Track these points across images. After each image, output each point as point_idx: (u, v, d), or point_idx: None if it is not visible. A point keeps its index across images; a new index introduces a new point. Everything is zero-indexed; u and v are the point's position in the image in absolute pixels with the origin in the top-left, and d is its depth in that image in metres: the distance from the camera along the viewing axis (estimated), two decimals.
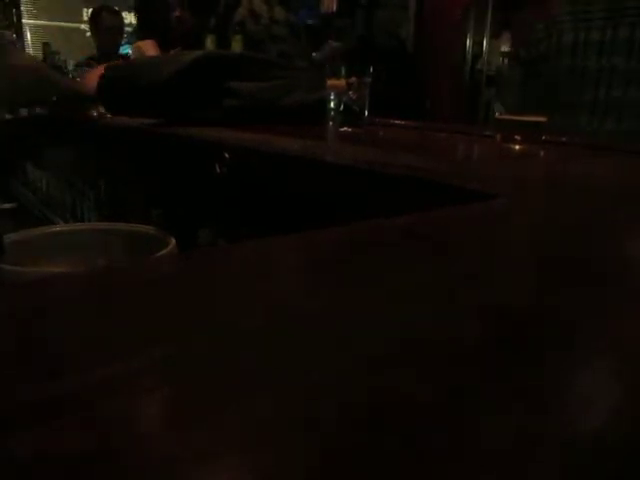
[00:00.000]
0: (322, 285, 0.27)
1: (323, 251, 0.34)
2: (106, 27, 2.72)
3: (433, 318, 0.22)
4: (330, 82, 1.01)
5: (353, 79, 1.00)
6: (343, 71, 1.02)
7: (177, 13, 1.88)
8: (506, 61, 1.08)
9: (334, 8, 3.58)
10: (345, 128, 1.01)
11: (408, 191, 0.55)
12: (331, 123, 1.01)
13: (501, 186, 0.52)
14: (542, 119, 0.90)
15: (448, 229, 0.39)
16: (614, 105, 1.38)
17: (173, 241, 0.80)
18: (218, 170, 0.78)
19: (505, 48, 4.40)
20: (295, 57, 1.57)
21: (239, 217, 0.83)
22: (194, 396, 0.16)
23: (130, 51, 2.59)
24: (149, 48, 2.10)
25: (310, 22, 2.87)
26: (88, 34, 2.83)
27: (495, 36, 4.39)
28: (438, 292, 0.25)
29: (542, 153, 0.86)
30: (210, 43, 1.57)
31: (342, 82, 1.00)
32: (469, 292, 0.25)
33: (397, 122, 1.26)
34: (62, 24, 5.34)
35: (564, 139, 0.96)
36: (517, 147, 0.88)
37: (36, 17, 5.29)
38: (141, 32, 2.55)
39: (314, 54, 2.39)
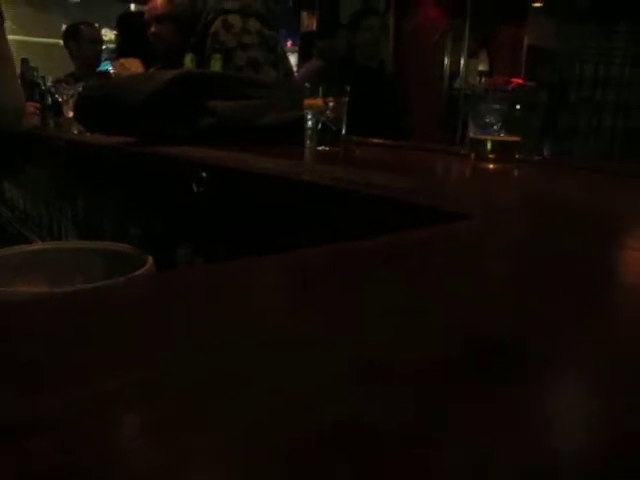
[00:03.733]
0: (295, 305, 0.28)
1: (298, 272, 0.34)
2: (86, 40, 2.72)
3: (393, 339, 0.23)
4: (307, 101, 1.02)
5: (330, 98, 1.02)
6: (320, 90, 1.03)
7: (153, 29, 1.89)
8: (483, 80, 1.10)
9: (314, 27, 3.63)
10: (322, 147, 1.02)
11: (380, 211, 0.56)
12: (308, 142, 1.02)
13: (471, 207, 0.53)
14: (516, 139, 0.92)
15: (417, 250, 0.40)
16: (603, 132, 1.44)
17: (150, 260, 0.80)
18: (195, 189, 0.79)
19: (482, 67, 4.48)
20: (265, 65, 1.58)
21: (217, 236, 0.83)
22: (168, 418, 0.17)
23: (111, 68, 2.59)
24: (136, 65, 2.10)
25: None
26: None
27: (472, 56, 4.49)
28: (396, 313, 0.26)
29: (515, 172, 0.88)
30: (189, 61, 1.58)
31: (319, 101, 1.02)
32: (427, 313, 0.26)
33: (375, 141, 1.28)
34: (42, 40, 5.32)
35: (537, 158, 0.99)
36: (491, 166, 0.90)
37: (15, 33, 5.27)
38: (122, 49, 2.55)
39: (296, 72, 2.42)
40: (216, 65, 1.45)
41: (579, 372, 0.21)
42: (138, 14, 2.50)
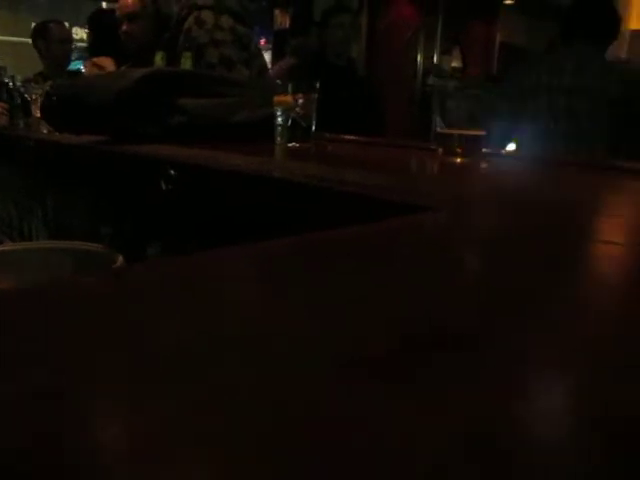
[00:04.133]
0: (255, 297, 0.28)
1: (261, 263, 0.35)
2: (56, 39, 2.68)
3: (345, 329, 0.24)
4: (277, 98, 1.03)
5: (300, 95, 1.02)
6: (290, 87, 1.04)
7: (124, 28, 1.87)
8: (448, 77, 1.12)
9: (287, 25, 3.63)
10: (293, 144, 1.02)
11: (347, 205, 0.57)
12: (279, 139, 1.03)
13: (435, 199, 0.54)
14: (481, 133, 0.93)
15: (380, 240, 0.41)
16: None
17: (121, 258, 0.80)
18: (164, 187, 0.79)
19: (455, 64, 4.52)
20: (237, 63, 1.58)
21: (187, 234, 0.84)
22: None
23: (83, 67, 2.55)
24: (108, 64, 2.08)
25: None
26: None
27: (445, 52, 4.52)
28: (349, 301, 0.27)
29: (480, 166, 0.90)
30: (160, 59, 1.57)
31: (289, 98, 1.02)
32: (380, 302, 0.27)
33: (346, 138, 1.29)
34: (11, 38, 5.23)
35: (503, 152, 1.00)
36: (458, 160, 0.91)
37: None
38: (94, 48, 2.51)
39: (270, 70, 2.41)
40: (187, 63, 1.45)
41: (515, 361, 0.22)
42: (109, 12, 2.47)
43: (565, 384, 0.20)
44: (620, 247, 0.43)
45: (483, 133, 0.94)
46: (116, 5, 2.08)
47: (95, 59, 2.16)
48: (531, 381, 0.20)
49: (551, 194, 0.67)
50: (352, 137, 1.29)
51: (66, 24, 3.03)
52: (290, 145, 1.02)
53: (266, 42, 4.04)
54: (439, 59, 4.21)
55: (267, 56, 3.62)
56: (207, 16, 1.63)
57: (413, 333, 0.23)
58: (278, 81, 1.16)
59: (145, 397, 0.17)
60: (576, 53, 1.70)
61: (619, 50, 4.12)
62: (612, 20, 1.78)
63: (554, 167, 0.97)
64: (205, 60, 1.58)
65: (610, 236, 0.47)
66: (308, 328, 0.23)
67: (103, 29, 2.46)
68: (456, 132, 0.93)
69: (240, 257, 0.36)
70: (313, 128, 1.05)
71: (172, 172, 0.77)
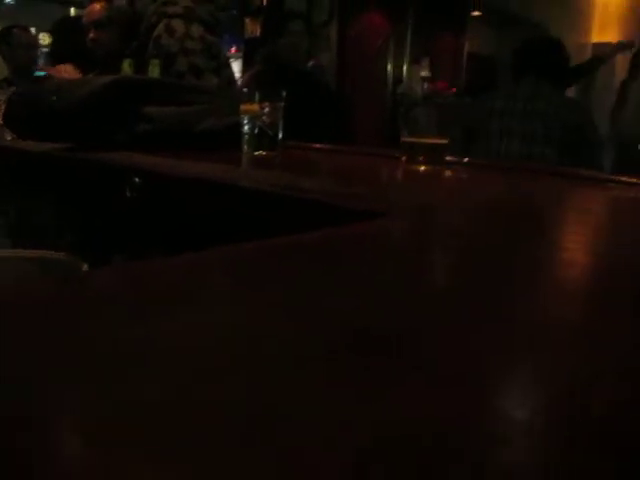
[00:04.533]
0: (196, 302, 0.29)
1: (202, 271, 0.35)
2: (19, 44, 2.64)
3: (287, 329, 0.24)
4: (244, 107, 1.03)
5: (266, 103, 1.03)
6: (257, 96, 1.05)
7: (91, 35, 1.86)
8: (422, 86, 1.15)
9: (258, 33, 3.63)
10: (260, 152, 1.03)
11: (309, 212, 0.58)
12: (246, 148, 1.03)
13: (393, 206, 0.55)
14: (444, 141, 0.95)
15: (331, 245, 0.42)
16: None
17: (86, 266, 0.79)
18: (129, 194, 0.79)
19: (425, 73, 4.58)
20: (206, 72, 1.58)
21: (152, 241, 0.84)
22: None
23: (46, 73, 2.52)
24: (69, 71, 2.06)
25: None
26: None
27: (415, 62, 4.59)
28: (294, 304, 0.28)
29: (442, 174, 0.92)
30: (127, 67, 1.56)
31: (255, 106, 1.03)
32: (321, 305, 0.28)
33: (314, 146, 1.30)
34: None
35: (466, 160, 1.03)
36: (421, 168, 0.93)
37: None
38: (57, 55, 2.49)
39: (238, 79, 2.42)
40: (154, 71, 1.44)
41: (434, 361, 0.23)
42: (75, 19, 2.45)
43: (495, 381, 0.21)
44: (569, 251, 0.45)
45: (446, 142, 0.96)
46: (84, 12, 2.06)
47: (58, 66, 2.14)
48: (458, 380, 0.21)
49: (508, 200, 0.69)
50: (319, 145, 1.30)
51: (32, 30, 2.99)
52: (257, 153, 1.03)
53: (237, 50, 4.05)
54: (408, 68, 4.26)
55: (238, 64, 3.62)
56: (177, 25, 1.63)
57: (357, 331, 0.24)
58: (245, 89, 1.17)
59: (84, 398, 0.18)
60: (530, 83, 1.87)
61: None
62: (560, 60, 1.94)
63: (514, 174, 0.99)
64: (174, 69, 1.58)
65: (561, 240, 0.49)
66: (263, 328, 0.24)
67: (66, 36, 2.43)
68: (419, 140, 0.95)
69: (201, 261, 0.36)
70: (280, 136, 1.05)
71: (137, 180, 0.77)
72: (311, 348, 0.22)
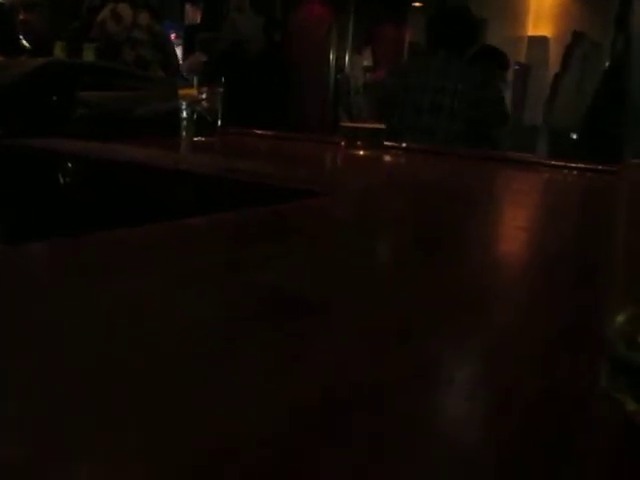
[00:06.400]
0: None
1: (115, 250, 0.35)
2: None
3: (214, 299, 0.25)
4: (182, 92, 1.02)
5: (204, 88, 1.02)
6: (195, 81, 1.03)
7: (22, 17, 1.78)
8: (364, 75, 1.16)
9: (198, 20, 3.57)
10: (198, 138, 1.02)
11: (243, 195, 0.58)
12: (184, 133, 1.02)
13: (326, 186, 0.56)
14: (381, 126, 0.97)
15: (270, 220, 0.42)
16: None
17: None
18: (62, 180, 0.77)
19: (367, 62, 4.62)
20: (153, 63, 1.55)
21: (87, 226, 0.82)
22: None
23: None
24: None
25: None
26: None
27: (357, 51, 4.62)
28: (224, 276, 0.28)
29: (379, 158, 0.93)
30: (60, 51, 1.51)
31: (194, 91, 1.02)
32: (252, 275, 0.28)
33: (254, 131, 1.29)
34: None
35: (404, 145, 1.05)
36: (359, 152, 0.94)
37: None
38: None
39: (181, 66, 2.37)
40: (89, 55, 1.40)
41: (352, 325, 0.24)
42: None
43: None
44: (497, 226, 0.47)
45: (383, 126, 0.97)
46: None
47: None
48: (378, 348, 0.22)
49: (443, 181, 0.71)
50: (260, 132, 1.30)
51: None
52: (196, 139, 1.02)
53: (177, 37, 3.97)
54: (351, 58, 4.29)
55: (178, 51, 3.56)
56: (124, 11, 1.58)
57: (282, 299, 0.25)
58: (188, 74, 1.15)
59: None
60: (441, 59, 1.86)
61: (519, 55, 4.37)
62: (469, 29, 1.95)
63: (450, 158, 1.02)
64: (121, 59, 1.54)
65: (491, 217, 0.51)
66: (184, 303, 0.24)
67: None
68: (358, 125, 0.96)
69: (128, 241, 0.36)
70: (219, 122, 1.05)
71: (69, 165, 0.75)
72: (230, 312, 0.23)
